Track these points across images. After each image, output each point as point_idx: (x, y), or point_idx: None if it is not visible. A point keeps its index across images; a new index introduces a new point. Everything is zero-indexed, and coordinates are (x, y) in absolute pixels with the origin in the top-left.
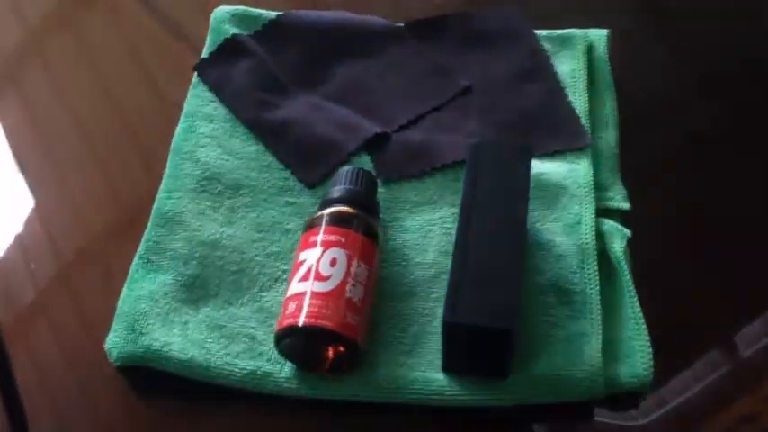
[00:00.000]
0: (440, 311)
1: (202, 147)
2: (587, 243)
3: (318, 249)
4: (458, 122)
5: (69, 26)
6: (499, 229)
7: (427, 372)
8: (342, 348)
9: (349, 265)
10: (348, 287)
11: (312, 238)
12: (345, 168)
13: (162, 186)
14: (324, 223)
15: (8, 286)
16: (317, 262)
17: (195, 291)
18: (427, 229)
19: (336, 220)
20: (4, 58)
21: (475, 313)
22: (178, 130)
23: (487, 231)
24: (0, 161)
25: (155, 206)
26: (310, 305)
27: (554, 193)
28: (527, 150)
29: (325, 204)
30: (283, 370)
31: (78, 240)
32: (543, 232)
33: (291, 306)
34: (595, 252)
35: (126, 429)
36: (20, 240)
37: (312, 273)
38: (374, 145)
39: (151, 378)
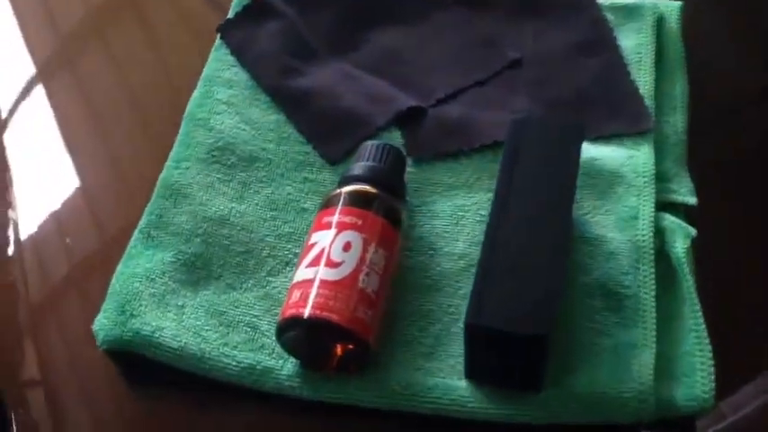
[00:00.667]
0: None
1: (218, 114)
2: (644, 240)
3: (332, 231)
4: (504, 98)
5: (128, 6)
6: (539, 219)
7: (448, 378)
8: (351, 346)
9: (364, 251)
10: (362, 276)
11: (326, 219)
12: (370, 143)
13: (171, 155)
14: (341, 203)
15: (42, 260)
16: (330, 245)
17: (196, 271)
18: (459, 215)
19: (355, 199)
20: (62, 38)
21: (503, 316)
22: (194, 95)
23: (525, 221)
24: (52, 138)
25: (161, 176)
26: (318, 295)
27: (608, 181)
28: (578, 130)
29: (344, 182)
30: (285, 366)
31: (121, 221)
32: (592, 225)
33: (296, 294)
34: (653, 251)
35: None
36: (58, 216)
37: (323, 257)
38: (407, 120)
39: (144, 366)
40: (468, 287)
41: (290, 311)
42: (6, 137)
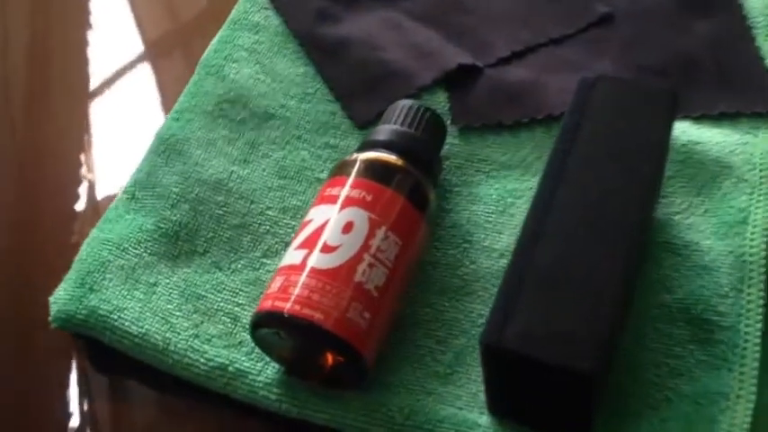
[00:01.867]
0: None
1: (235, 61)
2: (753, 254)
3: (335, 207)
4: (584, 62)
5: None
6: (603, 212)
7: (466, 409)
8: (339, 358)
9: (369, 236)
10: (361, 267)
11: (333, 190)
12: (402, 102)
13: (175, 105)
14: (354, 172)
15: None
16: (327, 224)
17: (178, 244)
18: (508, 202)
19: (372, 170)
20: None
21: (535, 338)
22: (214, 39)
23: (582, 212)
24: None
25: (158, 129)
26: (303, 286)
27: (711, 173)
28: (671, 98)
29: (363, 147)
30: (264, 371)
31: None
32: (683, 229)
33: (278, 282)
34: (764, 269)
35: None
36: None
37: (319, 239)
38: (458, 80)
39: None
40: None
41: (266, 303)
42: (95, 104)
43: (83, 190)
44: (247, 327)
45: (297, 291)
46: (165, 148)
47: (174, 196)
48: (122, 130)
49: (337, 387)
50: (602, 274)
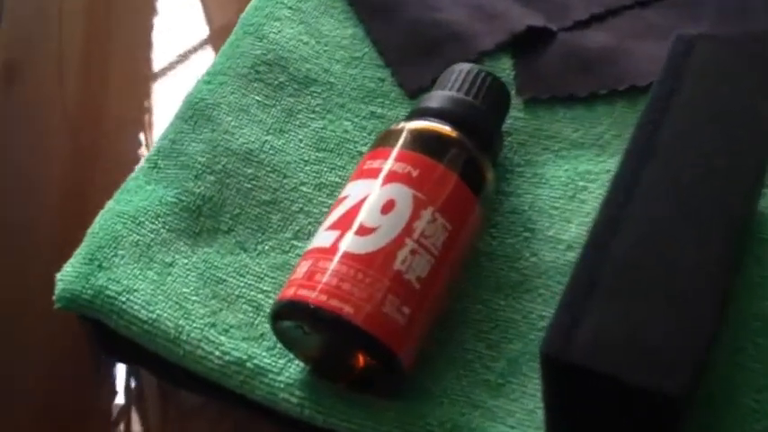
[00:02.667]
0: None
1: (277, 20)
2: None
3: (376, 182)
4: (676, 27)
5: None
6: (699, 198)
7: (518, 429)
8: (372, 359)
9: (413, 217)
10: (402, 253)
11: (373, 163)
12: (460, 66)
13: (208, 68)
14: (400, 142)
15: None
16: (364, 202)
17: (200, 220)
18: (580, 185)
19: (420, 141)
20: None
21: (608, 350)
22: None
23: (673, 198)
24: None
25: (187, 93)
26: (333, 273)
27: None
28: None
29: (413, 115)
30: (287, 369)
31: None
32: None
33: (304, 267)
34: None
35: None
36: None
37: (355, 219)
38: (526, 45)
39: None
40: None
41: (289, 291)
42: (158, 86)
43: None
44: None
45: (325, 278)
46: (193, 114)
47: (199, 166)
48: None
49: (369, 392)
50: (695, 274)
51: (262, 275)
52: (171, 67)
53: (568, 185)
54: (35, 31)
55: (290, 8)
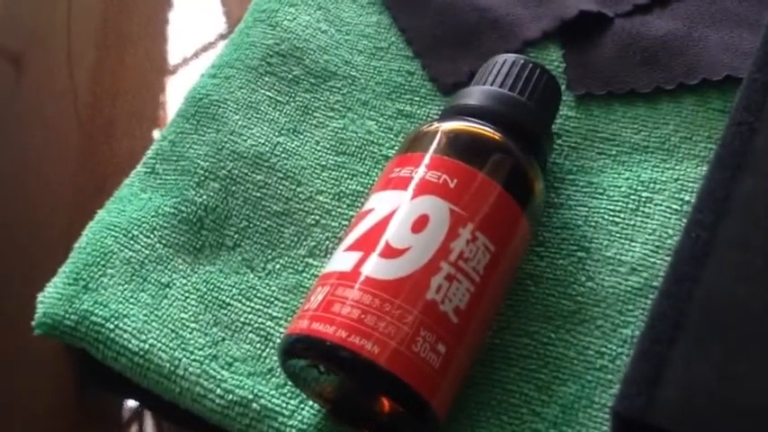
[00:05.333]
0: None
1: (292, 6)
2: None
3: (406, 194)
4: (753, 13)
5: None
6: None
7: None
8: (400, 406)
9: (450, 236)
10: (436, 280)
11: (402, 171)
12: (504, 57)
13: (214, 59)
14: (433, 147)
15: None
16: (392, 218)
17: (202, 233)
18: (643, 197)
19: (458, 145)
20: None
21: (701, 412)
22: None
23: None
24: None
25: (190, 88)
26: (354, 303)
27: None
28: None
29: (448, 113)
30: (299, 413)
31: None
32: None
33: (319, 295)
34: None
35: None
36: None
37: (379, 238)
38: (578, 33)
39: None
40: (641, 325)
41: (301, 324)
42: (173, 81)
43: None
44: None
45: (345, 310)
46: (196, 111)
47: (202, 172)
48: None
49: None
50: None
51: (271, 299)
52: (187, 61)
53: (630, 197)
54: (45, 22)
55: None
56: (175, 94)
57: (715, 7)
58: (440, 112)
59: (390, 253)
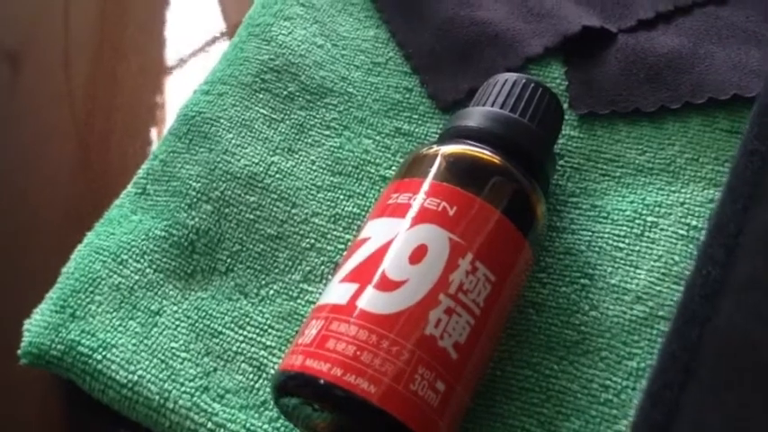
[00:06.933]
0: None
1: (287, 19)
2: None
3: (404, 222)
4: (761, 28)
5: None
6: None
7: None
8: None
9: (449, 267)
10: (434, 314)
11: (400, 197)
12: (504, 76)
13: (207, 75)
14: (433, 171)
15: None
16: (389, 247)
17: (193, 258)
18: (649, 221)
19: (457, 169)
20: None
21: None
22: None
23: None
24: None
25: (181, 106)
26: (350, 339)
27: None
28: None
29: (448, 135)
30: None
31: None
32: None
33: (313, 329)
34: None
35: None
36: None
37: (376, 269)
38: (581, 50)
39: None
40: (647, 357)
41: (295, 360)
42: (170, 82)
43: None
44: None
45: (339, 346)
46: (188, 130)
47: (194, 193)
48: None
49: None
50: None
51: (265, 327)
52: (184, 61)
53: (635, 221)
54: (41, 20)
55: (303, 5)
56: (173, 94)
57: (721, 23)
58: (439, 131)
59: (387, 285)
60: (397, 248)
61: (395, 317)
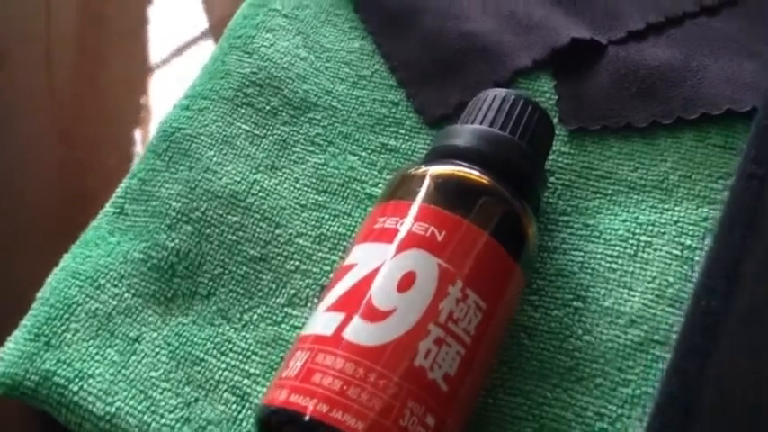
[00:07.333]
0: None
1: (269, 30)
2: None
3: (390, 248)
4: (752, 39)
5: None
6: None
7: None
8: None
9: (439, 295)
10: (424, 345)
11: (387, 221)
12: (493, 92)
13: (186, 89)
14: (422, 194)
15: None
16: (376, 274)
17: (173, 281)
18: (642, 241)
19: (446, 192)
20: None
21: None
22: (245, 2)
23: None
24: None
25: (160, 121)
26: (336, 372)
27: None
28: None
29: (435, 155)
30: None
31: None
32: None
33: (298, 361)
34: None
35: None
36: None
37: (362, 298)
38: (570, 63)
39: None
40: (642, 384)
41: (279, 394)
42: (154, 82)
43: None
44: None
45: (325, 380)
46: (168, 147)
47: (174, 214)
48: None
49: None
50: None
51: (248, 353)
52: (168, 60)
53: (628, 241)
54: (21, 18)
55: (286, 16)
56: (157, 94)
57: (713, 34)
58: (426, 147)
59: (374, 315)
60: (384, 276)
61: (383, 349)
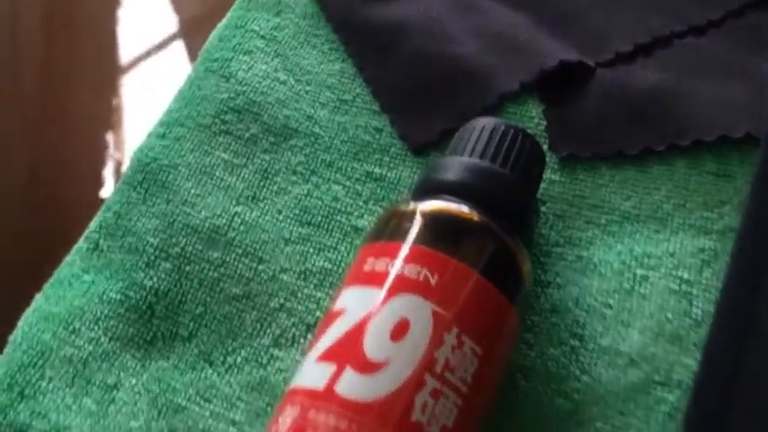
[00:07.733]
0: None
1: (247, 53)
2: None
3: (380, 293)
4: (743, 60)
5: None
6: None
7: None
8: None
9: (434, 343)
10: (420, 398)
11: (377, 263)
12: (481, 122)
13: (161, 116)
14: (413, 234)
15: None
16: (368, 321)
17: (152, 323)
18: (638, 274)
19: (439, 232)
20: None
21: None
22: (221, 23)
23: None
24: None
25: (135, 150)
26: (329, 431)
27: None
28: None
29: (424, 189)
30: None
31: None
32: None
33: (289, 416)
34: None
35: None
36: None
37: (354, 348)
38: (559, 86)
39: None
40: (643, 428)
41: None
42: (125, 83)
43: (108, 172)
44: None
45: None
46: (144, 178)
47: (152, 250)
48: (153, 110)
49: None
50: None
51: (233, 399)
52: (139, 61)
53: (623, 274)
54: None
55: (263, 37)
56: (129, 96)
57: (702, 55)
58: (412, 175)
59: (367, 367)
60: (376, 323)
61: (378, 404)
